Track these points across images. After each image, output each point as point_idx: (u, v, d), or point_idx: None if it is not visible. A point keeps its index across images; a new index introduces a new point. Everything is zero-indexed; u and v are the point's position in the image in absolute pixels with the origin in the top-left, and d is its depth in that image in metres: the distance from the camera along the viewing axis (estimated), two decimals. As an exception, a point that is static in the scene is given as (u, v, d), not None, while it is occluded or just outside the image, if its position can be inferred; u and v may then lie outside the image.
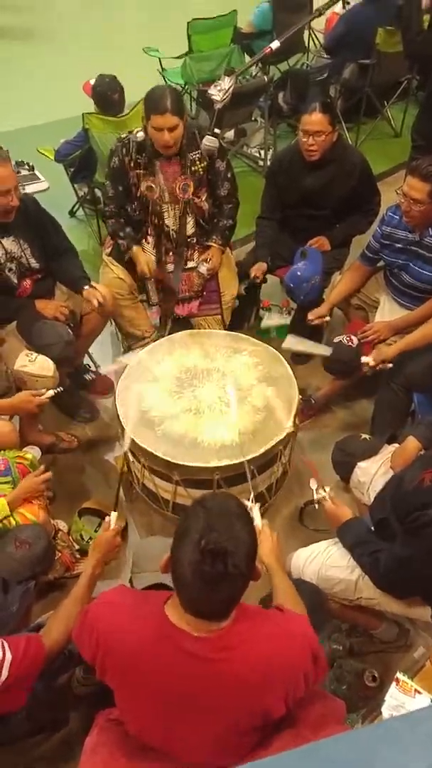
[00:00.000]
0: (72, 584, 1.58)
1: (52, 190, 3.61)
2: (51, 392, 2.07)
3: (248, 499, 1.81)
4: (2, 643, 1.24)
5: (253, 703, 1.11)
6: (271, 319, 2.97)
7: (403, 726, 0.62)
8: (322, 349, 2.34)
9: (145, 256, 2.54)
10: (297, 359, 2.76)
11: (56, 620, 1.42)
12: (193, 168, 2.44)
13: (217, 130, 2.34)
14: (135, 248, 2.53)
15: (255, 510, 1.66)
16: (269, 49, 2.43)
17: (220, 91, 2.29)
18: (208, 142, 2.36)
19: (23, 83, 5.72)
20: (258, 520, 1.63)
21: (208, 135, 2.35)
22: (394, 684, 1.45)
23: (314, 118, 2.40)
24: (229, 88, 2.29)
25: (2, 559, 1.66)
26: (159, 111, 2.22)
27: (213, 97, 2.31)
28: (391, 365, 2.20)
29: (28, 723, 1.49)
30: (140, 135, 2.39)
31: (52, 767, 1.67)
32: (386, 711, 1.42)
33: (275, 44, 2.41)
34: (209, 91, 2.34)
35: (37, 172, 3.76)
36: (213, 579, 1.03)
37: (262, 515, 1.70)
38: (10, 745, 1.62)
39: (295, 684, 1.13)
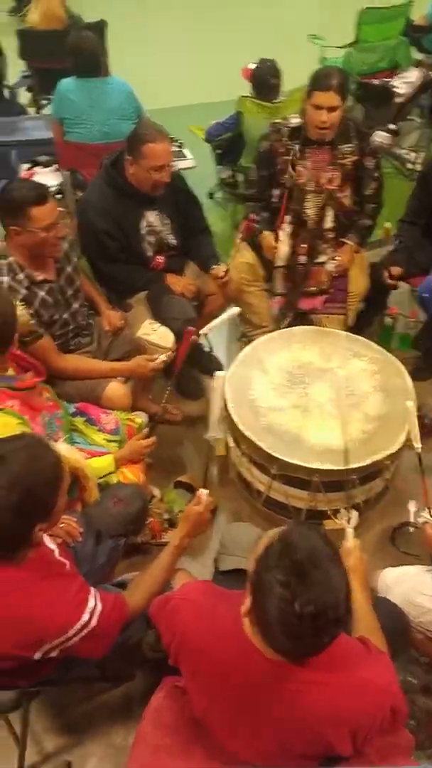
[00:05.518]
0: (156, 551, 1.63)
1: (196, 169, 3.68)
2: (164, 357, 2.13)
3: (345, 509, 1.78)
4: (95, 594, 1.31)
5: (316, 737, 1.07)
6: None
7: None
8: None
9: (273, 240, 2.52)
10: (418, 374, 2.62)
11: (141, 584, 1.48)
12: (342, 161, 2.39)
13: (392, 126, 2.25)
14: (266, 232, 2.52)
15: (349, 529, 1.62)
16: None
17: (406, 83, 2.19)
18: (379, 138, 2.28)
19: (182, 64, 5.85)
20: (350, 539, 1.59)
21: (381, 131, 2.27)
22: None
23: None
24: (417, 82, 2.19)
25: (99, 512, 1.75)
26: (323, 87, 2.19)
27: (396, 89, 2.22)
28: None
29: (97, 670, 1.57)
30: (295, 121, 2.39)
31: (111, 717, 1.75)
32: None
33: None
34: (392, 82, 2.25)
35: (185, 150, 3.85)
36: (308, 638, 0.96)
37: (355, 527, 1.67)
38: (74, 685, 1.73)
39: (367, 731, 1.07)
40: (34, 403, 1.71)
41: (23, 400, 1.66)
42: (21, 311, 1.82)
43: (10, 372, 1.71)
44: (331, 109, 2.22)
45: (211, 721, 1.18)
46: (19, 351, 1.80)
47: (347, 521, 1.68)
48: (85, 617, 1.25)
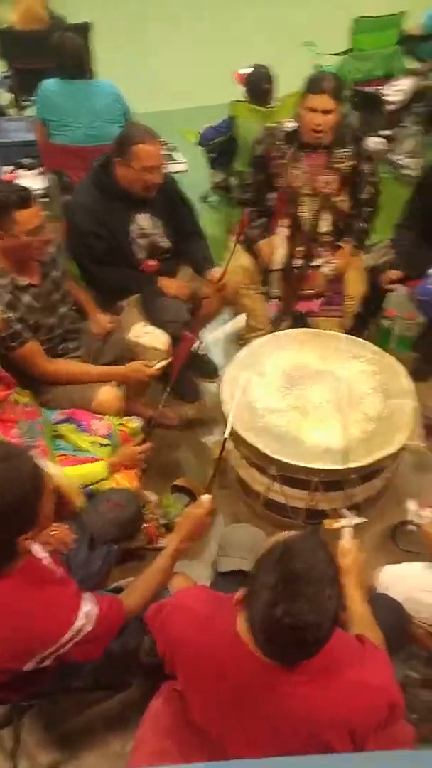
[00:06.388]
0: (151, 557, 1.59)
1: (189, 173, 3.68)
2: (162, 363, 2.09)
3: (344, 508, 1.75)
4: (91, 597, 1.27)
5: (312, 739, 1.05)
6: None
7: None
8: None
9: (271, 248, 2.51)
10: (418, 375, 2.60)
11: (137, 588, 1.45)
12: (338, 165, 2.40)
13: (386, 133, 2.26)
14: (262, 242, 2.52)
15: (348, 528, 1.60)
16: None
17: (398, 91, 2.21)
18: (374, 144, 2.29)
19: (174, 67, 5.86)
20: (349, 538, 1.57)
21: (375, 137, 2.27)
22: None
23: None
24: (409, 90, 2.20)
25: (93, 516, 1.72)
26: (317, 90, 2.21)
27: (387, 97, 2.23)
28: None
29: (92, 678, 1.53)
30: (290, 125, 2.40)
31: (107, 726, 1.70)
32: None
33: None
34: (382, 90, 2.26)
35: (176, 154, 3.85)
36: (285, 647, 0.97)
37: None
38: (68, 696, 1.68)
39: (365, 730, 1.06)
40: (7, 415, 1.68)
41: (-8, 416, 1.59)
42: None
43: None
44: (326, 112, 2.23)
45: (206, 722, 1.16)
46: None
47: (346, 519, 1.66)
48: (79, 623, 1.22)
